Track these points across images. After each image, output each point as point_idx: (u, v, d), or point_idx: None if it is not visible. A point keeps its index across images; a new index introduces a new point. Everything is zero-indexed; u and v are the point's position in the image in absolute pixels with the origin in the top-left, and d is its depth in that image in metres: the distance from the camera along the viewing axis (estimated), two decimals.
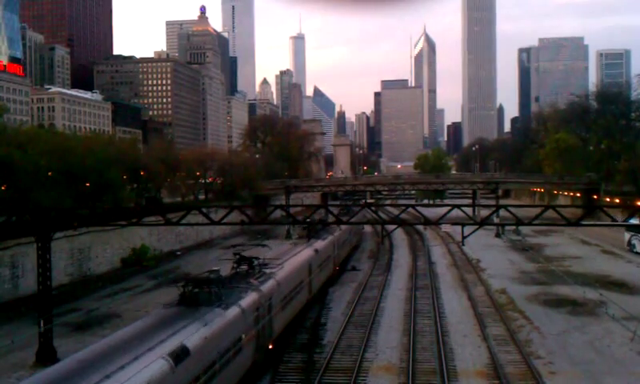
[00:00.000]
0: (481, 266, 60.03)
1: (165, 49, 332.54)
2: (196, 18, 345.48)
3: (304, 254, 39.55)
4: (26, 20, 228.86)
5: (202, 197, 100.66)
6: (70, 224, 41.22)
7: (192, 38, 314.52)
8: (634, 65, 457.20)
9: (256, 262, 30.76)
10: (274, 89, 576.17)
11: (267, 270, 30.47)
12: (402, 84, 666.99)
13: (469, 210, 35.22)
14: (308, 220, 40.16)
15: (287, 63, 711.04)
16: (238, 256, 30.68)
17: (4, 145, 53.31)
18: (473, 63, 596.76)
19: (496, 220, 62.86)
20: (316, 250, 41.90)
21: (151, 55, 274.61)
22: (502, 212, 33.83)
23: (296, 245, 42.75)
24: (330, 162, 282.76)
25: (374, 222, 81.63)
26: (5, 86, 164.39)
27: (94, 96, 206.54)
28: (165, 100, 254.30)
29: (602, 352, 31.54)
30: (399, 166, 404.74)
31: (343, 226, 50.79)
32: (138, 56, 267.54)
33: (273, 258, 34.04)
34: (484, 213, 63.36)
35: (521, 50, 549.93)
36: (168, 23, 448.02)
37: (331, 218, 37.27)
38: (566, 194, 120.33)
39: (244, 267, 30.14)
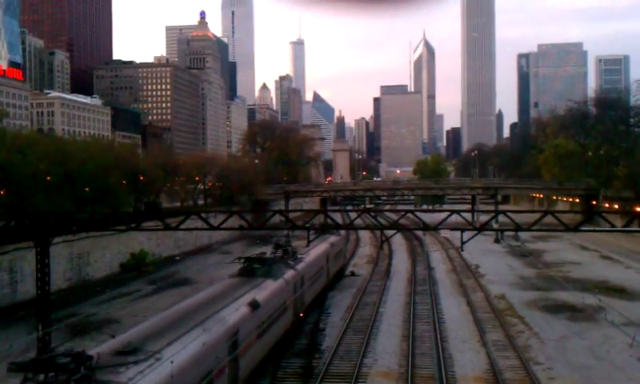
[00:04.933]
0: (480, 272, 59.98)
1: (164, 54, 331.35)
2: (196, 23, 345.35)
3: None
4: (26, 25, 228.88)
5: (201, 202, 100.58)
6: (69, 229, 41.24)
7: (192, 43, 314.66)
8: (633, 71, 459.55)
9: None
10: (273, 94, 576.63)
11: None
12: (401, 89, 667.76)
13: (468, 216, 35.07)
14: (307, 225, 40.15)
15: (287, 68, 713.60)
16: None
17: (3, 149, 53.32)
18: (472, 69, 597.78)
19: (495, 225, 62.96)
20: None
21: (151, 60, 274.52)
22: (501, 217, 33.83)
23: None
24: (329, 167, 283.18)
25: (373, 227, 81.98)
26: (4, 90, 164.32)
27: (93, 101, 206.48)
28: (164, 105, 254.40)
29: (601, 358, 31.48)
30: (398, 172, 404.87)
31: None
32: (137, 61, 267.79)
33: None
34: (483, 218, 63.39)
35: (520, 56, 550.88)
36: (168, 28, 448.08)
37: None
38: (564, 199, 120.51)
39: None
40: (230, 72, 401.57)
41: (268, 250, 38.83)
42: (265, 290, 28.26)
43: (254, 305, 25.42)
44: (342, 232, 55.28)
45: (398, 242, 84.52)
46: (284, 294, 30.96)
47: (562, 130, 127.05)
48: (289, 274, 33.15)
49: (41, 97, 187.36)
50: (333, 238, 51.30)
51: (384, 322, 39.73)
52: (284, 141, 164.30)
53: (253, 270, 30.88)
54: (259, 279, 29.67)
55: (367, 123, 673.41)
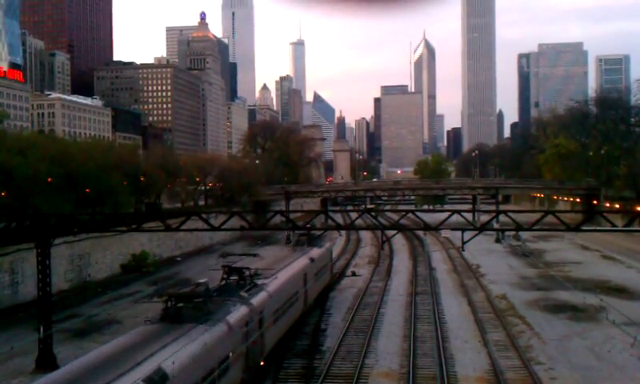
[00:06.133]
0: (481, 272, 59.98)
1: (165, 55, 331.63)
2: (196, 23, 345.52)
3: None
4: (27, 26, 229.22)
5: (201, 203, 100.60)
6: (70, 230, 41.22)
7: (192, 44, 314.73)
8: (634, 70, 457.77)
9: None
10: (273, 94, 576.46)
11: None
12: (401, 90, 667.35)
13: (469, 216, 34.99)
14: (308, 225, 40.11)
15: (287, 69, 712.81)
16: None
17: (4, 151, 53.33)
18: (472, 69, 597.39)
19: (496, 225, 62.92)
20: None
21: (151, 61, 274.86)
22: (502, 217, 33.80)
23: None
24: (329, 167, 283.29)
25: (373, 227, 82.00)
26: (5, 92, 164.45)
27: (94, 102, 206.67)
28: (165, 106, 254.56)
29: (602, 358, 31.48)
30: (399, 172, 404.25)
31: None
32: (138, 62, 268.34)
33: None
34: (484, 218, 63.41)
35: (520, 56, 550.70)
36: (168, 29, 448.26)
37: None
38: (565, 199, 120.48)
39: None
40: (230, 73, 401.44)
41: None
42: (190, 345, 19.09)
43: (157, 380, 16.60)
44: (327, 245, 50.09)
45: (399, 242, 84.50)
46: (226, 346, 21.77)
47: (563, 130, 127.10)
48: (237, 313, 23.78)
49: (41, 98, 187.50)
50: (314, 252, 42.28)
51: (385, 322, 39.74)
52: (284, 141, 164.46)
53: (179, 313, 21.81)
54: (186, 326, 20.73)
55: (368, 123, 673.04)
